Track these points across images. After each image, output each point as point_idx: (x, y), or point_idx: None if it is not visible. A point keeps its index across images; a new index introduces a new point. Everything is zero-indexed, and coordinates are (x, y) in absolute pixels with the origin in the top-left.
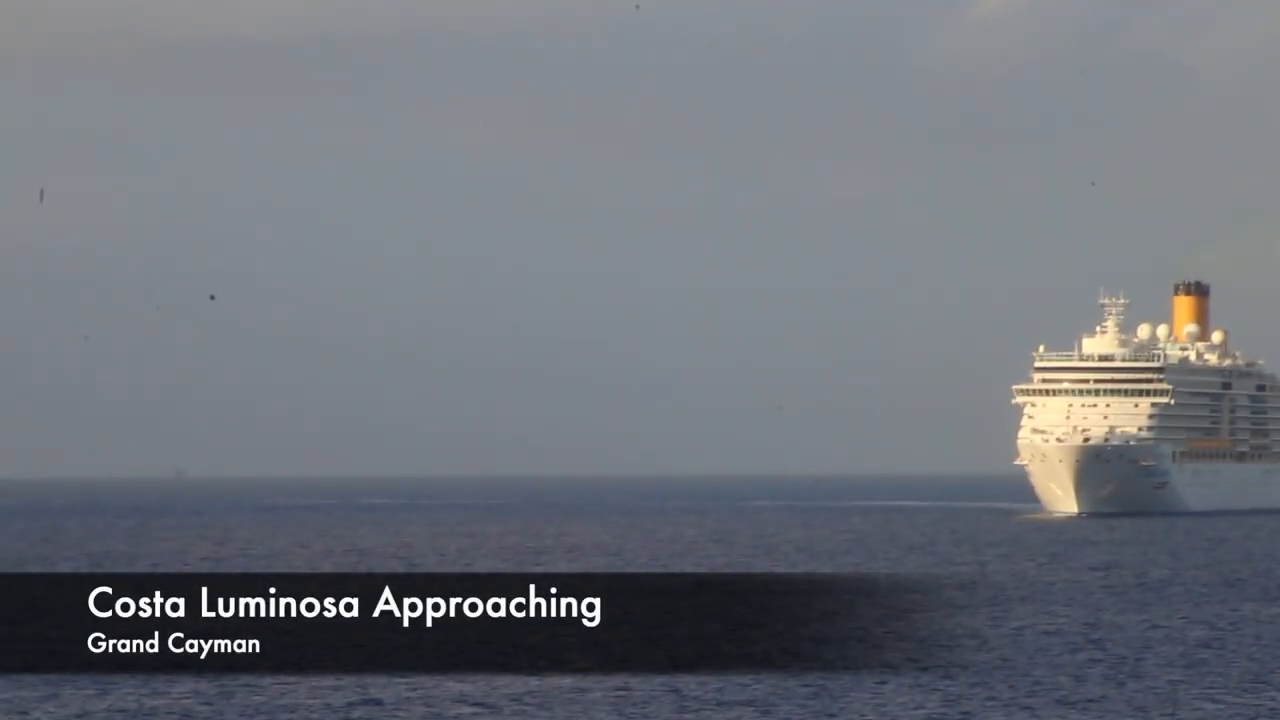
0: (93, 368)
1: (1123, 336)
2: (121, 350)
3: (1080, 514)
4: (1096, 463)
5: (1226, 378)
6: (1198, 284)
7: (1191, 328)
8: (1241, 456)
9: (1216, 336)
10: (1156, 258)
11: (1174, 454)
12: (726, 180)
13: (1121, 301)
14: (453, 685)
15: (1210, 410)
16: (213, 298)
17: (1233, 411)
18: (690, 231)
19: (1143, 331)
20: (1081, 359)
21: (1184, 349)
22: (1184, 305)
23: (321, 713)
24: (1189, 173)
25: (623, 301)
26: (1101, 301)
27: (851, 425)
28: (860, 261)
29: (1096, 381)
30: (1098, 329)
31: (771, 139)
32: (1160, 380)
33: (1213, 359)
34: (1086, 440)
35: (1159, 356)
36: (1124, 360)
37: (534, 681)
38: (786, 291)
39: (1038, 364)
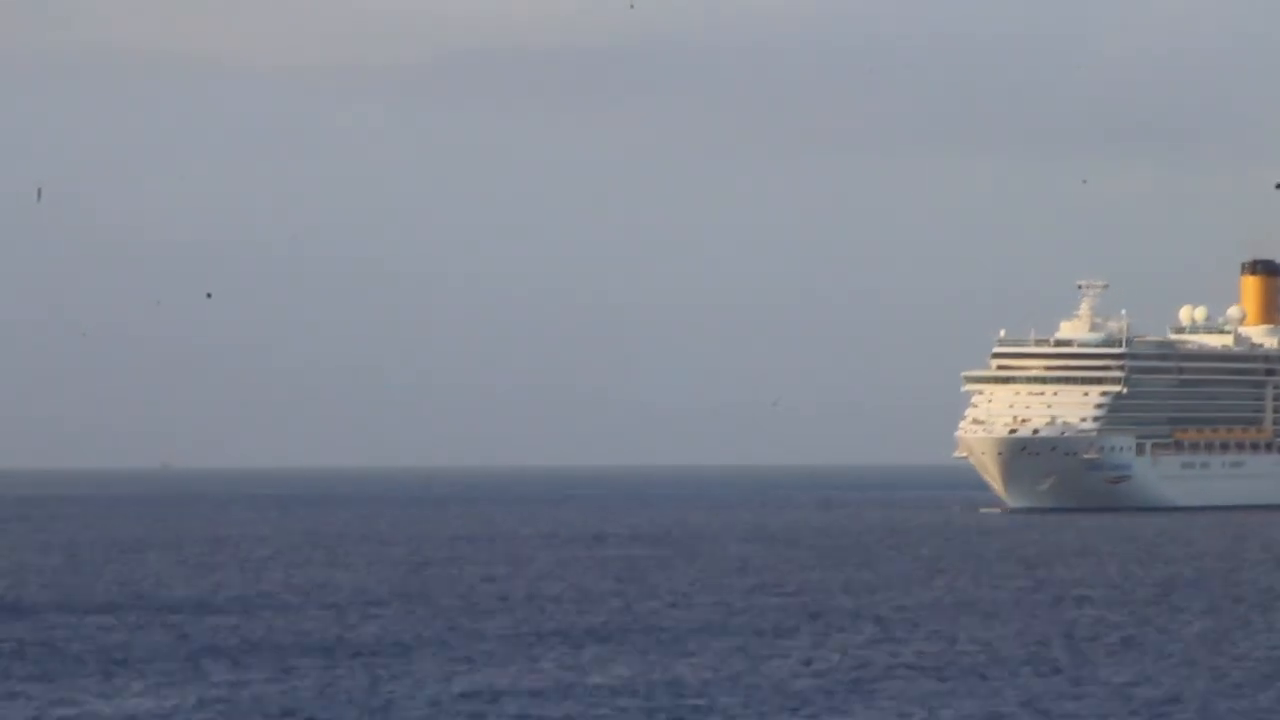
0: (85, 361)
1: (1097, 320)
2: (115, 343)
3: (1012, 509)
4: (1023, 456)
5: (1273, 364)
6: (1266, 263)
7: (1235, 310)
8: None
9: None
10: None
11: (1144, 445)
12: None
13: (1099, 284)
14: None
15: (1253, 398)
16: (209, 295)
17: (1277, 399)
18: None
19: (1183, 315)
20: (1036, 344)
21: (1225, 330)
22: (1251, 286)
23: None
24: None
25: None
26: (1078, 284)
27: (847, 417)
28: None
29: (1047, 369)
30: (1075, 314)
31: (767, 139)
32: (1119, 368)
33: (1272, 343)
34: (1012, 432)
35: (1123, 341)
36: (1081, 346)
37: None
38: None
39: (995, 349)
